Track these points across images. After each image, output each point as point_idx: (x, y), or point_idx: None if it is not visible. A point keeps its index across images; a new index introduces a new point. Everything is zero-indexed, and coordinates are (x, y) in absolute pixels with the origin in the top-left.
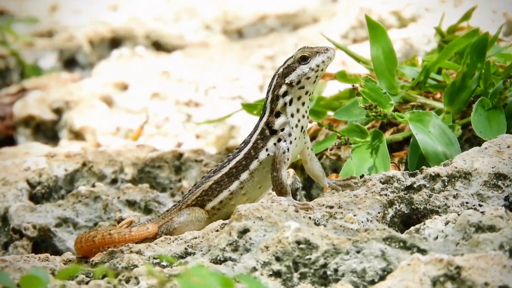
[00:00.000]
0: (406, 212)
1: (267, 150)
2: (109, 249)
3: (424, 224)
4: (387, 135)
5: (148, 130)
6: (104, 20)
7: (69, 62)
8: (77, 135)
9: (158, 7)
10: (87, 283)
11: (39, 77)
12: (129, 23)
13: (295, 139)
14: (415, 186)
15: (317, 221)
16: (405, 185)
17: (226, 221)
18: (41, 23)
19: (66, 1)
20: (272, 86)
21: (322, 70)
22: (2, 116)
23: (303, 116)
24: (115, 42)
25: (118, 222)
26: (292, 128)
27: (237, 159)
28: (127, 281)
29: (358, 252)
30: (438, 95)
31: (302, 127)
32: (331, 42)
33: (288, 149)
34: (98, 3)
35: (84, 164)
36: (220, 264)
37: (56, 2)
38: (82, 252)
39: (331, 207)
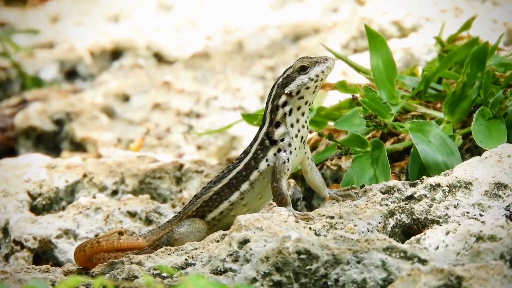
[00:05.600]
0: (407, 222)
1: (267, 160)
2: (110, 260)
3: (425, 234)
4: (388, 145)
5: (149, 141)
6: (105, 32)
7: (70, 74)
8: (78, 146)
9: (159, 18)
10: None
11: (40, 88)
12: (130, 34)
13: (295, 149)
14: (415, 196)
15: (318, 231)
16: (405, 195)
17: (227, 232)
18: (42, 35)
19: (67, 12)
20: (272, 96)
21: (321, 80)
22: (3, 127)
23: (303, 126)
24: (116, 54)
25: (119, 233)
26: (292, 138)
27: (237, 169)
28: None
29: (358, 262)
30: (439, 105)
31: (302, 137)
32: (332, 52)
33: (288, 159)
34: (99, 15)
35: (84, 175)
36: (221, 274)
37: (57, 14)
38: (80, 263)
39: (332, 217)
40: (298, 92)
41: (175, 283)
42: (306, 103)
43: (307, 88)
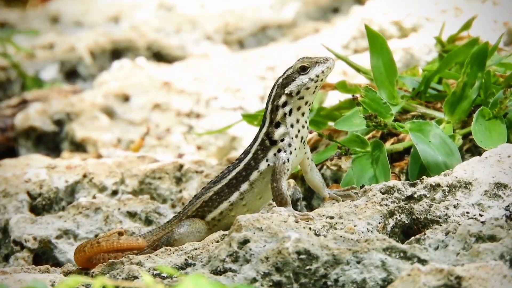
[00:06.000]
0: (407, 222)
1: (267, 160)
2: (109, 260)
3: (425, 234)
4: (388, 145)
5: (149, 142)
6: (105, 32)
7: (70, 74)
8: (78, 147)
9: (159, 18)
10: None
11: (40, 88)
12: (130, 34)
13: (295, 149)
14: (415, 196)
15: (318, 231)
16: (405, 195)
17: (226, 232)
18: (42, 35)
19: (67, 12)
20: (272, 97)
21: (321, 80)
22: (3, 128)
23: (303, 127)
24: (116, 53)
25: (119, 233)
26: (292, 138)
27: (237, 169)
28: None
29: (358, 262)
30: (439, 105)
31: (302, 138)
32: (332, 53)
33: (288, 160)
34: (99, 15)
35: (84, 176)
36: (220, 275)
37: (57, 14)
38: (80, 263)
39: (332, 217)
40: (298, 93)
41: (175, 283)
42: (306, 103)
43: (307, 88)
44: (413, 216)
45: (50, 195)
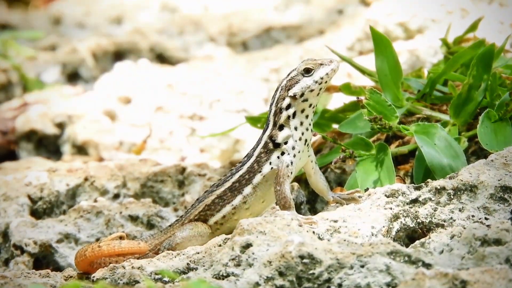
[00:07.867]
0: (411, 225)
1: (270, 163)
2: (111, 264)
3: (429, 238)
4: (392, 148)
5: (152, 144)
6: (108, 33)
7: (72, 76)
8: (80, 150)
9: (162, 20)
10: None
11: (41, 91)
12: (132, 36)
13: (299, 152)
14: (420, 199)
15: (321, 235)
16: (410, 199)
17: (229, 236)
18: (44, 37)
19: (69, 14)
20: (275, 99)
21: (326, 82)
22: (4, 131)
23: (307, 129)
24: (118, 55)
25: (120, 237)
26: (296, 141)
27: (240, 173)
28: None
29: (362, 266)
30: (444, 107)
31: (305, 140)
32: (336, 54)
33: (291, 163)
34: (102, 16)
35: (86, 179)
36: (223, 279)
37: (59, 15)
38: (81, 268)
39: (335, 221)
40: (302, 95)
41: (176, 287)
42: (310, 105)
43: (311, 90)
44: (418, 220)
45: (51, 199)
